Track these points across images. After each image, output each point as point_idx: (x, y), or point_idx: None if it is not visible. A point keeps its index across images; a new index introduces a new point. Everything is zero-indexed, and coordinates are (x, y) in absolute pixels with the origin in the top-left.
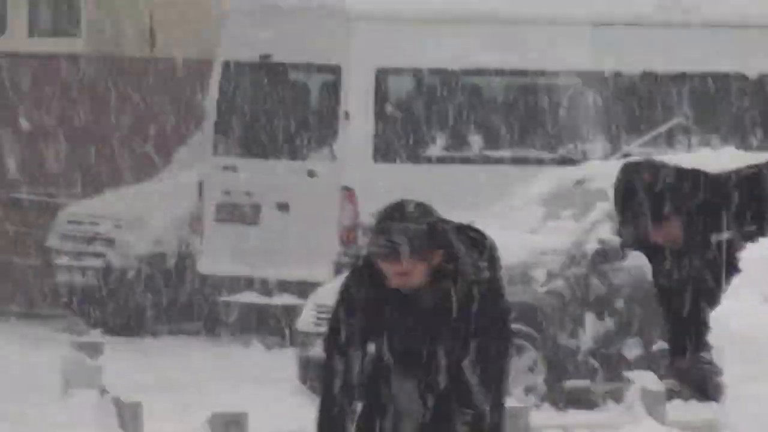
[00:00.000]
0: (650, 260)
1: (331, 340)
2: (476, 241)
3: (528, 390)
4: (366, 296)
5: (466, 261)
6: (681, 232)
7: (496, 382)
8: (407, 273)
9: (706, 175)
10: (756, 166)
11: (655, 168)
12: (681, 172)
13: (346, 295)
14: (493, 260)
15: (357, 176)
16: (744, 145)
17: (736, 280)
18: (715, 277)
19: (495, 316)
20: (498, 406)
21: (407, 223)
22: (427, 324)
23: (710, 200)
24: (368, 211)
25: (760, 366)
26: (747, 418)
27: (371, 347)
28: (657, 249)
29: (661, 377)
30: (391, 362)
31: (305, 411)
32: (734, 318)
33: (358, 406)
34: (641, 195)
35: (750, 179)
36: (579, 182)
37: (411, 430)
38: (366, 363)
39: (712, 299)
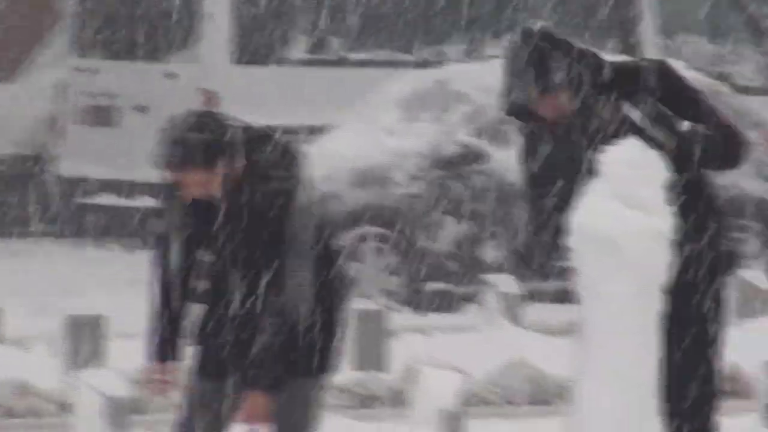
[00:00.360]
0: (528, 139)
1: (159, 243)
2: (279, 148)
3: (387, 293)
4: (181, 206)
5: (264, 169)
6: (570, 107)
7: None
8: (199, 183)
9: (598, 55)
10: (650, 60)
11: (554, 38)
12: (580, 49)
13: (166, 204)
14: (293, 167)
15: (217, 78)
16: (600, 47)
17: (595, 183)
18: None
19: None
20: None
21: (192, 133)
22: (230, 231)
23: (608, 83)
24: (230, 114)
25: (618, 267)
26: (604, 318)
27: (194, 252)
28: (539, 123)
29: (520, 279)
30: (213, 266)
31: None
32: (593, 220)
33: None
34: (535, 60)
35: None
36: (439, 84)
37: (236, 328)
38: (190, 266)
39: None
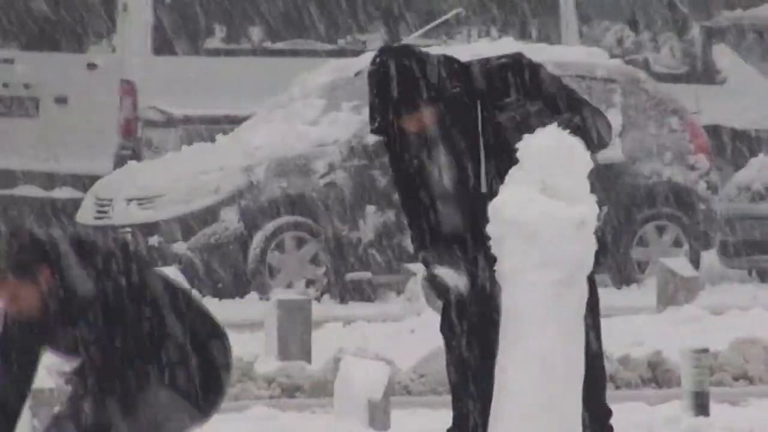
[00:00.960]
0: (399, 149)
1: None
2: (90, 247)
3: (309, 283)
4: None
5: (72, 274)
6: (431, 121)
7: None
8: (14, 297)
9: (459, 62)
10: (508, 56)
11: (411, 54)
12: (434, 59)
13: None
14: (105, 271)
15: (137, 69)
16: (523, 36)
17: (513, 171)
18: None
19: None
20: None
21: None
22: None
23: (466, 87)
24: (148, 105)
25: (538, 254)
26: (527, 306)
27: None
28: (404, 137)
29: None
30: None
31: None
32: (512, 207)
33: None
34: (395, 80)
35: (503, 67)
36: (359, 73)
37: None
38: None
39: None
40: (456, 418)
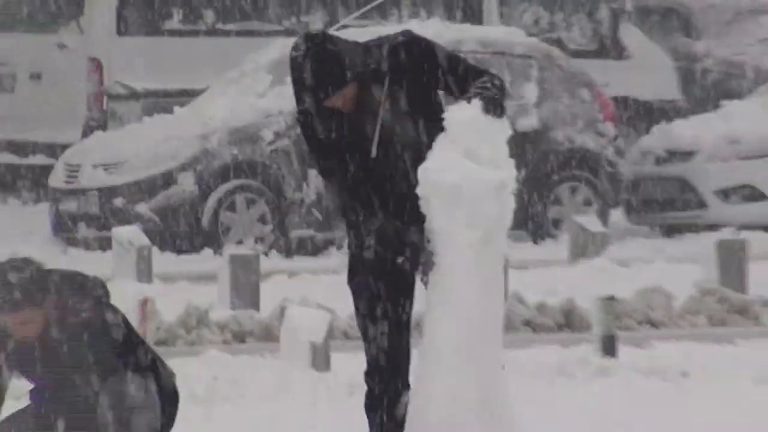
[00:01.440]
0: (323, 124)
1: None
2: (79, 284)
3: (258, 239)
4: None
5: (70, 306)
6: (351, 97)
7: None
8: (25, 322)
9: (364, 44)
10: (402, 33)
11: (329, 39)
12: (348, 43)
13: None
14: (96, 300)
15: (103, 48)
16: (449, 17)
17: (440, 138)
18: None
19: (99, 352)
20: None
21: (13, 274)
22: (53, 376)
23: (376, 67)
24: (113, 80)
25: (462, 214)
26: (453, 259)
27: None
28: (330, 112)
29: None
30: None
31: (60, 256)
32: (439, 171)
33: None
34: (316, 63)
35: (405, 44)
36: None
37: None
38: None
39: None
40: (369, 363)
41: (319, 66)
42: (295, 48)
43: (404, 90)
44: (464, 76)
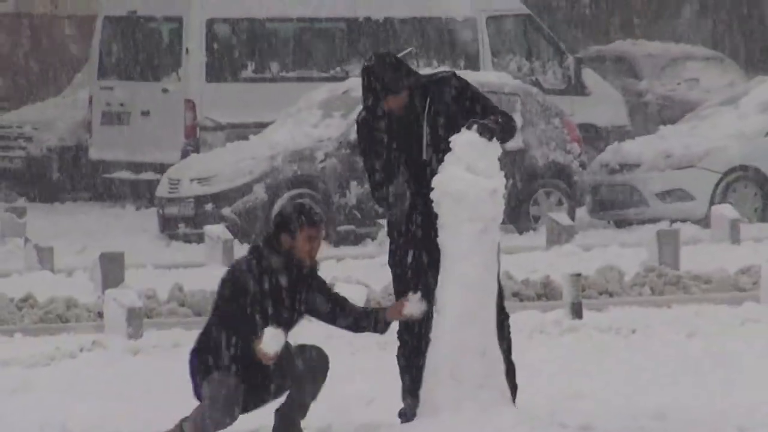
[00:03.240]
0: (377, 123)
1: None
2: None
3: None
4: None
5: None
6: (403, 103)
7: None
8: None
9: (418, 73)
10: (446, 71)
11: (391, 56)
12: (408, 68)
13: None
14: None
15: (196, 92)
16: (454, 65)
17: (449, 156)
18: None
19: None
20: None
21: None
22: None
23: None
24: (204, 116)
25: (465, 212)
26: (458, 247)
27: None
28: (388, 114)
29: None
30: None
31: (165, 249)
32: (448, 181)
33: None
34: (380, 70)
35: (448, 78)
36: (345, 92)
37: None
38: None
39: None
40: (400, 324)
41: (382, 73)
42: (368, 60)
43: (441, 111)
44: (483, 111)
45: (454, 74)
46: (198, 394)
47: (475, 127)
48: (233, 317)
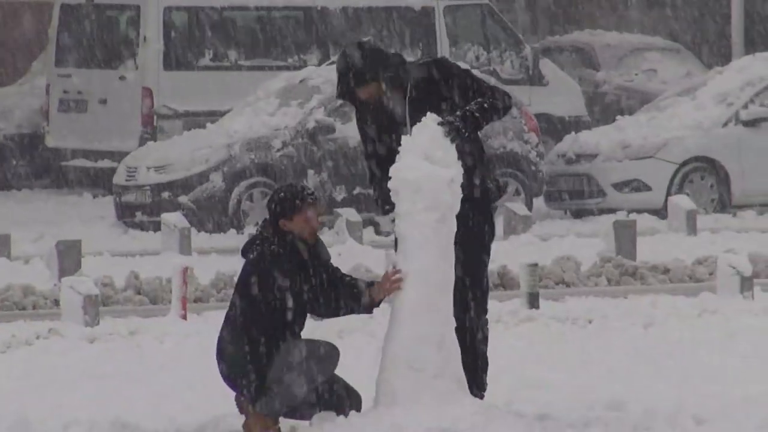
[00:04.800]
0: (359, 113)
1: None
2: None
3: None
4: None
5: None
6: (375, 93)
7: None
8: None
9: (400, 57)
10: (433, 57)
11: (363, 47)
12: (388, 55)
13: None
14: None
15: (153, 80)
16: (412, 53)
17: (407, 144)
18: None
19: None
20: None
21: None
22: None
23: (401, 74)
24: (161, 104)
25: (423, 202)
26: (415, 236)
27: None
28: (362, 103)
29: (359, 211)
30: None
31: (121, 236)
32: (406, 170)
33: None
34: (351, 63)
35: (434, 62)
36: (302, 81)
37: None
38: None
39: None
40: None
41: (351, 63)
42: (341, 53)
43: (423, 99)
44: (470, 96)
45: (436, 60)
46: (235, 390)
47: (442, 127)
48: (277, 310)
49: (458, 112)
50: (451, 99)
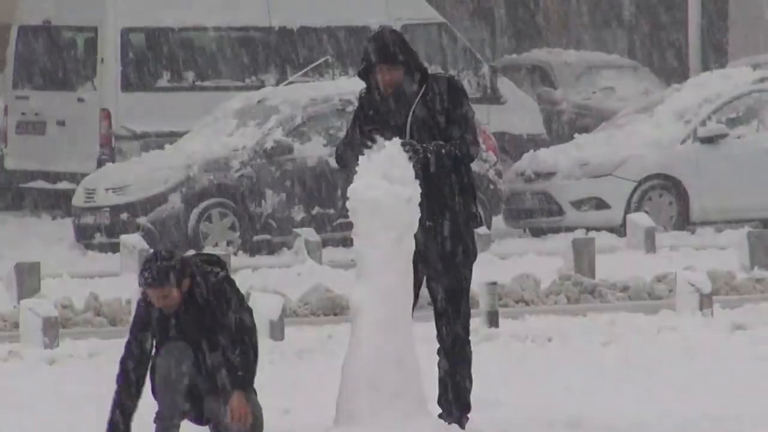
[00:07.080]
0: (362, 100)
1: (131, 331)
2: (210, 259)
3: (229, 243)
4: (148, 310)
5: (201, 280)
6: (397, 77)
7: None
8: (166, 296)
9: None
10: (449, 75)
11: (397, 32)
12: (411, 46)
13: (137, 308)
14: (224, 267)
15: (111, 101)
16: None
17: (364, 164)
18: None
19: (232, 308)
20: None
21: (162, 262)
22: (185, 329)
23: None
24: (119, 125)
25: (381, 219)
26: (373, 256)
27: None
28: (378, 90)
29: (318, 231)
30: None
31: (81, 258)
32: (364, 189)
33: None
34: (384, 41)
35: (448, 79)
36: (260, 101)
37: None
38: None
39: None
40: None
41: (382, 40)
42: (376, 32)
43: (432, 102)
44: (453, 126)
45: (451, 78)
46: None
47: (406, 147)
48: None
49: (434, 143)
50: (449, 115)
